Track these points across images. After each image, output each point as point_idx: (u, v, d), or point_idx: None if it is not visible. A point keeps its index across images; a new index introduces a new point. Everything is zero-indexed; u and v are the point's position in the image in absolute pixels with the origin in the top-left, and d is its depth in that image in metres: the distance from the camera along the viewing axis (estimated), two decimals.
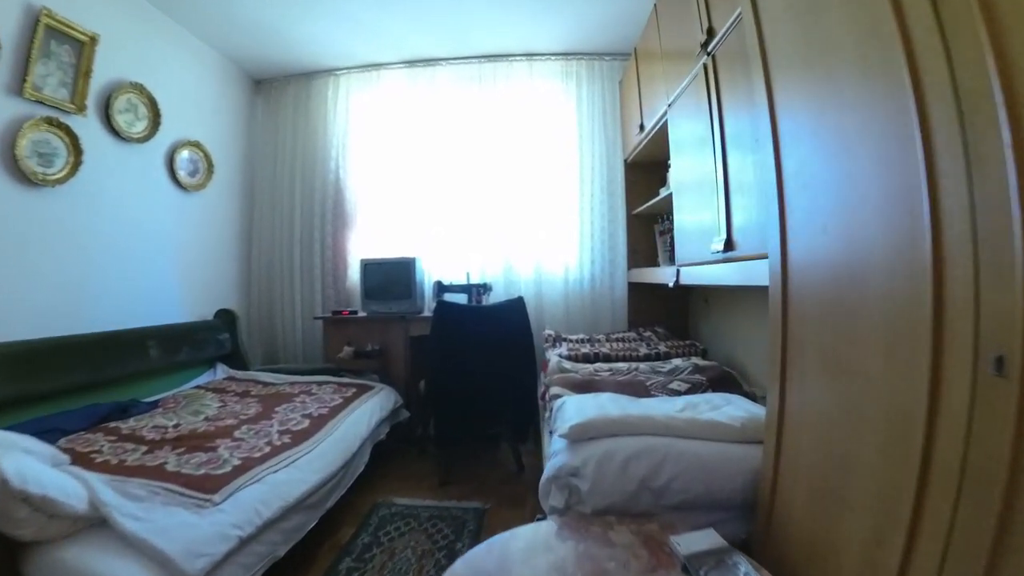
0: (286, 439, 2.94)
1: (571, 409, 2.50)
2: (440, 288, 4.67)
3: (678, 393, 2.86)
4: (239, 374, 4.49)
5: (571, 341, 4.18)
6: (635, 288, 4.85)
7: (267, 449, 2.77)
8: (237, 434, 2.93)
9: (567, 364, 3.44)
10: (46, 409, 3.06)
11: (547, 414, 2.96)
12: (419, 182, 5.18)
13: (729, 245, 2.43)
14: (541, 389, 3.59)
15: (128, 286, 4.06)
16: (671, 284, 3.19)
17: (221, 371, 4.54)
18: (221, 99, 5.12)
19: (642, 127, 4.08)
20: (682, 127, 3.16)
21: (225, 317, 4.80)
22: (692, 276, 2.99)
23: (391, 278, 4.68)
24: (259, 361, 5.34)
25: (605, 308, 4.97)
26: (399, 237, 5.20)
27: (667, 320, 4.69)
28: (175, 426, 3.04)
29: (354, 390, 3.99)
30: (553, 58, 5.11)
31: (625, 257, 4.92)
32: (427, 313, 4.67)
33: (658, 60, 3.59)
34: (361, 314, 4.79)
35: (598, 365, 3.48)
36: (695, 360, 3.43)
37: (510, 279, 5.00)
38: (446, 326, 3.66)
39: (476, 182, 5.09)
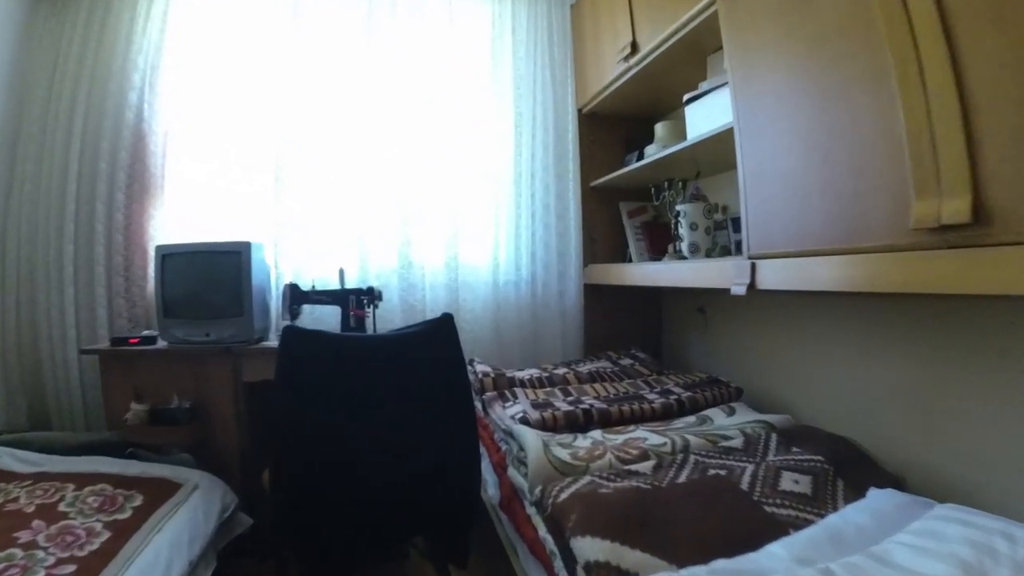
0: None
1: None
2: (295, 296, 2.96)
3: (806, 509, 1.61)
4: None
5: (525, 385, 2.74)
6: (593, 293, 3.55)
7: None
8: None
9: (561, 451, 2.02)
10: None
11: None
12: (266, 131, 3.41)
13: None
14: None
15: None
16: (740, 291, 1.99)
17: None
18: None
19: (635, 47, 2.84)
20: None
21: None
22: (804, 275, 1.78)
23: (209, 280, 2.92)
24: (26, 422, 3.43)
25: (552, 322, 3.48)
26: (230, 214, 3.43)
27: (641, 339, 3.51)
28: None
29: (142, 497, 2.33)
30: None
31: (578, 248, 3.50)
32: (273, 341, 2.92)
33: None
34: (160, 344, 2.93)
35: (598, 437, 2.16)
36: (757, 417, 2.31)
37: (409, 281, 3.34)
38: (301, 372, 2.00)
39: (357, 134, 3.41)
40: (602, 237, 3.52)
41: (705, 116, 2.39)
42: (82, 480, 2.42)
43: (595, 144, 3.54)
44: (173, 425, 2.79)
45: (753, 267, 1.93)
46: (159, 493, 2.34)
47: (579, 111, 3.53)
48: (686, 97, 2.54)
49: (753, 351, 2.81)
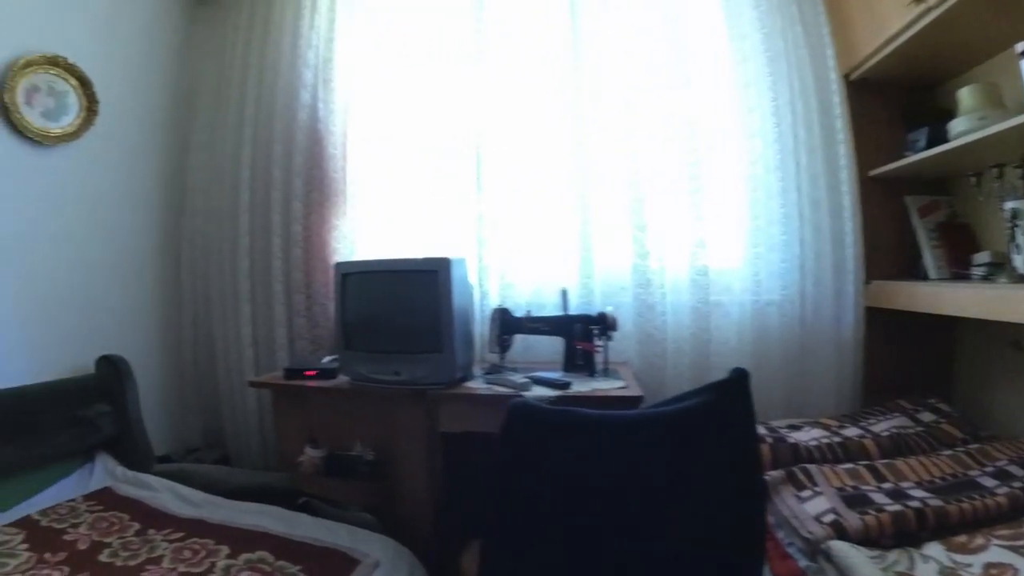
0: None
1: None
2: (506, 324, 2.44)
3: None
4: (122, 483, 2.60)
5: (814, 456, 2.03)
6: (875, 319, 2.65)
7: None
8: None
9: None
10: None
11: None
12: (463, 127, 2.95)
13: None
14: None
15: None
16: None
17: (99, 472, 2.66)
18: None
19: None
20: None
21: (109, 371, 2.81)
22: None
23: (399, 305, 2.44)
24: (199, 440, 3.42)
25: (824, 357, 2.65)
26: (424, 224, 3.01)
27: (927, 382, 2.59)
28: None
29: (317, 569, 1.92)
30: None
31: (857, 259, 2.64)
32: (478, 384, 2.37)
33: None
34: (340, 379, 2.54)
35: (942, 558, 1.45)
36: None
37: (647, 303, 2.69)
38: (532, 462, 1.49)
39: (573, 126, 2.81)
40: (886, 244, 2.67)
41: None
42: (240, 542, 2.07)
43: (867, 120, 2.70)
44: (352, 477, 2.35)
45: None
46: (329, 573, 1.88)
47: (844, 78, 2.70)
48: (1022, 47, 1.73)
49: None
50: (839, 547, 1.46)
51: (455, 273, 2.32)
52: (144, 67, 3.32)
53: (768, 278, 2.64)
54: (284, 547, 2.00)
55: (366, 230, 3.08)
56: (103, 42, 3.06)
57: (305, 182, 3.06)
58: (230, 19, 3.43)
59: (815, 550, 1.54)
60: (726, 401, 1.47)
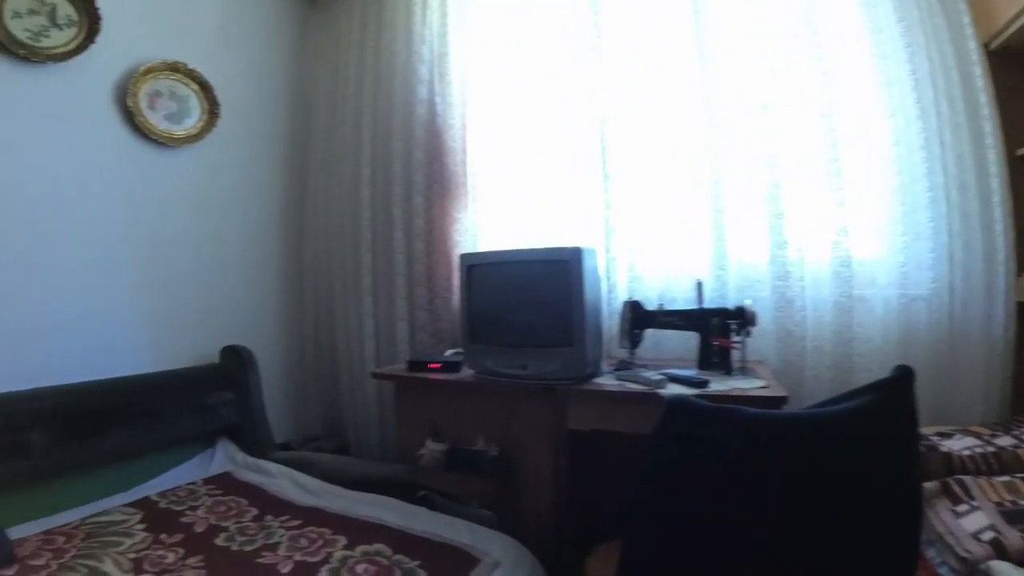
0: None
1: None
2: (637, 318, 2.31)
3: None
4: (242, 469, 2.71)
5: (967, 467, 1.83)
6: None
7: None
8: None
9: None
10: None
11: None
12: (586, 112, 2.82)
13: None
14: None
15: (34, 316, 2.47)
16: None
17: (219, 457, 2.79)
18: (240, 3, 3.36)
19: None
20: None
21: (233, 361, 2.95)
22: None
23: (527, 297, 2.32)
24: (319, 428, 3.51)
25: (973, 359, 2.38)
26: (547, 215, 2.89)
27: None
28: None
29: (435, 565, 1.84)
30: None
31: (1009, 249, 2.36)
32: (608, 380, 2.23)
33: None
34: (464, 372, 2.47)
35: None
36: None
37: (786, 296, 2.50)
38: (688, 464, 1.35)
39: (704, 108, 2.63)
40: None
41: None
42: (357, 533, 2.04)
43: (1011, 93, 2.43)
44: (474, 473, 2.29)
45: None
46: (449, 571, 1.82)
47: (984, 47, 2.43)
48: None
49: None
50: (1001, 568, 1.32)
51: (586, 263, 2.20)
52: (261, 71, 3.44)
53: (916, 270, 2.40)
54: (402, 541, 1.96)
55: (488, 222, 3.05)
56: (220, 48, 3.18)
57: (425, 176, 3.07)
58: (342, 21, 3.49)
59: (972, 571, 1.40)
60: (890, 402, 1.34)
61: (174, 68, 2.91)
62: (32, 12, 2.41)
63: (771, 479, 1.29)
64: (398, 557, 1.83)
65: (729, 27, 2.60)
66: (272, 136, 3.49)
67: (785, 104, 2.53)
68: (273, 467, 2.61)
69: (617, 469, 2.29)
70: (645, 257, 2.68)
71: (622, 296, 2.58)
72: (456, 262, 2.90)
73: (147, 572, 1.81)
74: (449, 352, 2.67)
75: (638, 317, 2.29)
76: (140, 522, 2.15)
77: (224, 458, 2.76)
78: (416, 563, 1.80)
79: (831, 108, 2.47)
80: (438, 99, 3.06)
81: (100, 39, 2.56)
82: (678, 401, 1.33)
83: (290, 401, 3.42)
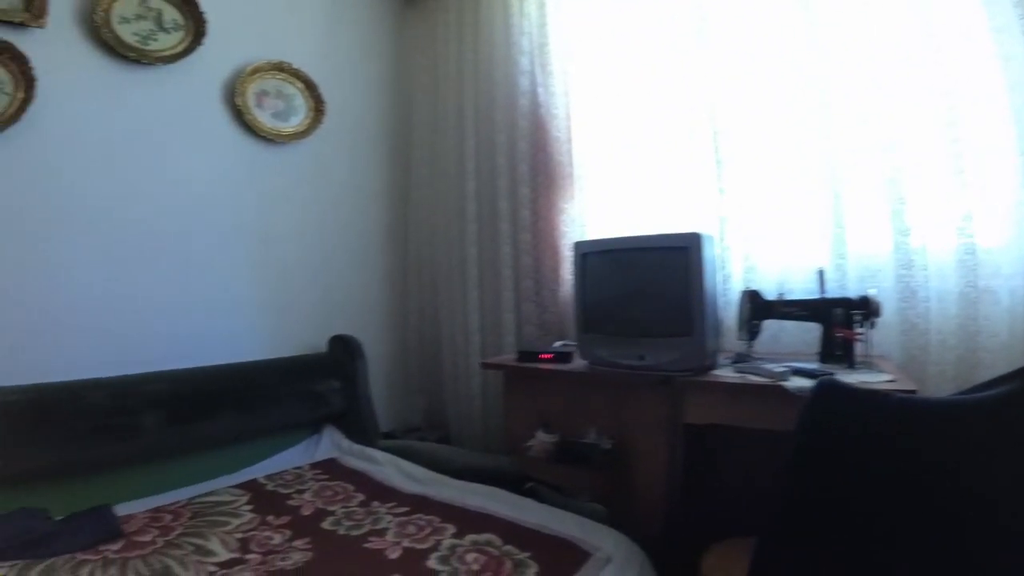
0: None
1: None
2: (756, 307, 2.17)
3: None
4: (348, 455, 2.72)
5: None
6: None
7: None
8: None
9: None
10: None
11: None
12: (694, 96, 2.66)
13: None
14: None
15: (149, 304, 2.59)
16: None
17: (325, 443, 2.82)
18: (340, 4, 3.43)
19: None
20: None
21: (341, 350, 2.99)
22: None
23: (645, 286, 2.22)
24: (421, 419, 3.48)
25: None
26: (656, 203, 2.74)
27: None
28: None
29: (536, 568, 1.71)
30: None
31: None
32: (727, 372, 2.10)
33: None
34: (576, 363, 2.40)
35: None
36: None
37: (910, 286, 2.29)
38: (840, 455, 1.23)
39: (822, 88, 2.42)
40: None
41: None
42: (466, 522, 2.00)
43: None
44: (585, 465, 2.20)
45: None
46: (560, 564, 1.74)
47: None
48: None
49: None
50: None
51: (705, 250, 2.08)
52: (362, 69, 3.50)
53: None
54: (512, 532, 1.90)
55: (595, 213, 2.92)
56: (322, 48, 3.26)
57: (531, 167, 3.03)
58: (438, 16, 3.51)
59: None
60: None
61: (279, 68, 3.00)
62: (139, 17, 2.52)
63: (928, 468, 1.20)
64: (508, 548, 1.79)
65: (839, 4, 2.42)
66: (375, 132, 3.55)
67: (901, 83, 2.33)
68: (379, 455, 2.61)
69: (736, 465, 2.21)
70: (760, 245, 2.52)
71: (736, 287, 2.45)
72: (563, 253, 2.87)
73: (254, 552, 1.83)
74: (557, 344, 2.62)
75: (757, 307, 2.16)
76: (247, 503, 2.18)
77: (329, 444, 2.79)
78: (527, 554, 1.74)
79: (948, 86, 2.26)
80: (540, 89, 3.02)
81: (207, 41, 2.66)
82: (828, 384, 1.25)
83: (392, 391, 3.45)
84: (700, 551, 1.80)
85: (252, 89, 2.89)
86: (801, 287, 2.36)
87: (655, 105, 2.76)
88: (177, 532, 1.94)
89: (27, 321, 2.23)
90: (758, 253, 2.51)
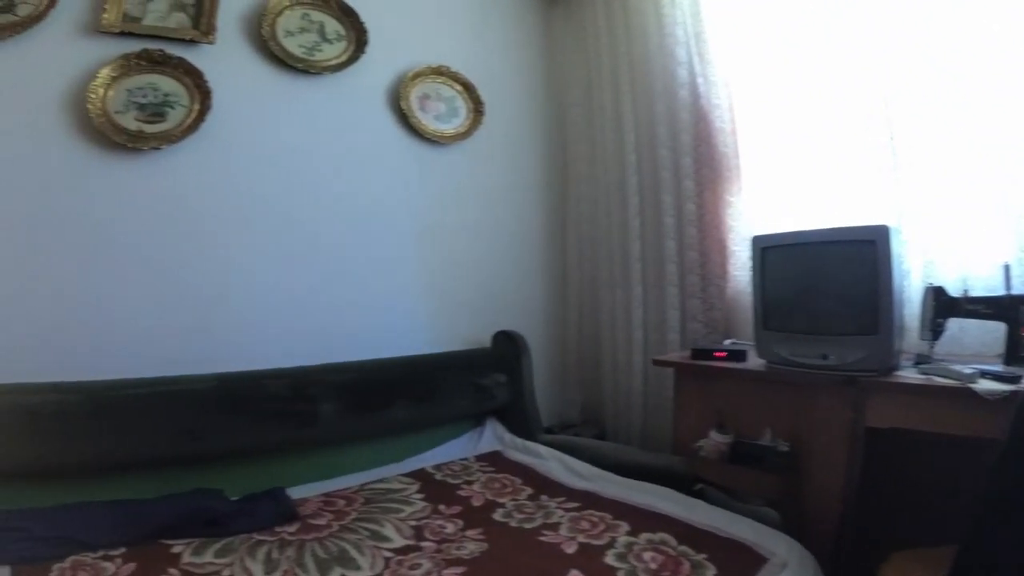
0: None
1: None
2: (940, 305, 1.98)
3: None
4: (511, 448, 2.76)
5: None
6: None
7: None
8: None
9: None
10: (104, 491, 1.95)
11: None
12: (868, 82, 2.43)
13: None
14: None
15: (324, 301, 2.76)
16: None
17: (488, 436, 2.90)
18: (487, 6, 3.46)
19: None
20: None
21: (506, 346, 3.04)
22: None
23: (828, 282, 2.13)
24: (577, 415, 3.50)
25: None
26: (828, 195, 2.56)
27: None
28: None
29: (714, 569, 1.67)
30: None
31: None
32: (909, 372, 1.94)
33: None
34: (752, 362, 2.31)
35: None
36: None
37: None
38: None
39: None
40: None
41: None
42: (638, 520, 1.96)
43: None
44: (759, 468, 2.13)
45: None
46: (737, 567, 1.69)
47: None
48: None
49: None
50: None
51: (893, 243, 1.93)
52: (515, 70, 3.55)
53: None
54: (686, 532, 1.86)
55: (763, 205, 2.77)
56: (477, 50, 3.33)
57: (694, 160, 2.92)
58: (586, 12, 3.48)
59: None
60: None
61: (439, 72, 3.12)
62: (303, 30, 2.69)
63: None
64: (683, 548, 1.75)
65: None
66: (530, 129, 3.59)
67: None
68: (543, 449, 2.63)
69: (919, 472, 2.07)
70: (940, 239, 2.30)
71: (914, 283, 2.25)
72: (730, 248, 2.78)
73: (428, 540, 1.87)
74: (727, 342, 2.55)
75: (942, 305, 1.98)
76: (418, 492, 2.25)
77: (492, 437, 2.84)
78: (703, 556, 1.71)
79: None
80: (700, 80, 2.90)
81: (368, 49, 2.79)
82: None
83: (550, 387, 3.46)
84: (876, 560, 1.71)
85: (415, 93, 3.02)
86: (982, 283, 2.14)
87: (824, 91, 2.57)
88: (352, 517, 2.03)
89: (206, 314, 2.44)
90: (937, 247, 2.29)
